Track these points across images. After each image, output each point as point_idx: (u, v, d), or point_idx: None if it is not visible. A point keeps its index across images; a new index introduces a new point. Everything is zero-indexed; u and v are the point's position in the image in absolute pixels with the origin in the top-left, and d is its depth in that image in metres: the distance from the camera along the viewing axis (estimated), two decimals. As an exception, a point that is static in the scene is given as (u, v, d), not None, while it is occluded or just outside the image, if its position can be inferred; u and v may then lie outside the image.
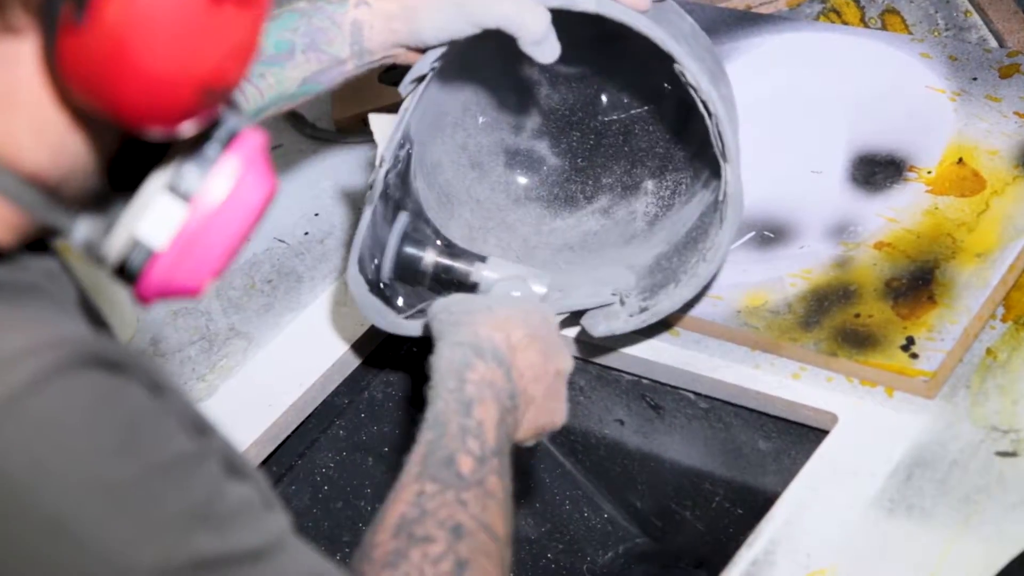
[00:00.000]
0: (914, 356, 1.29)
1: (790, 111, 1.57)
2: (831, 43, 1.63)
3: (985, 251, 1.36)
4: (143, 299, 0.81)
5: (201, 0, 0.71)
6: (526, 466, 1.61)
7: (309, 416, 1.48)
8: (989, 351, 1.31)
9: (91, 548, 0.73)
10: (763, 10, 1.80)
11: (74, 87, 0.73)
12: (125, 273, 0.80)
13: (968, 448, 1.23)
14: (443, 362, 1.06)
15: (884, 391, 1.30)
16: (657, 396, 1.46)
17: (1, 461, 0.71)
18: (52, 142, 0.76)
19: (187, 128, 0.76)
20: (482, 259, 1.34)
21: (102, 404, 0.73)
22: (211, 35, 0.72)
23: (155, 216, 0.78)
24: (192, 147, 0.79)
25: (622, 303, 1.34)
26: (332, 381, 1.49)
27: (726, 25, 1.70)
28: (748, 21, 1.71)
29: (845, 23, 1.72)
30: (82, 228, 0.81)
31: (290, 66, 1.25)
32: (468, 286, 1.32)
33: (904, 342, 1.31)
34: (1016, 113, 1.49)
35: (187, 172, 0.78)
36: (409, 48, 1.28)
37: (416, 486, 0.97)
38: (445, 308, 1.13)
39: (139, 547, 0.73)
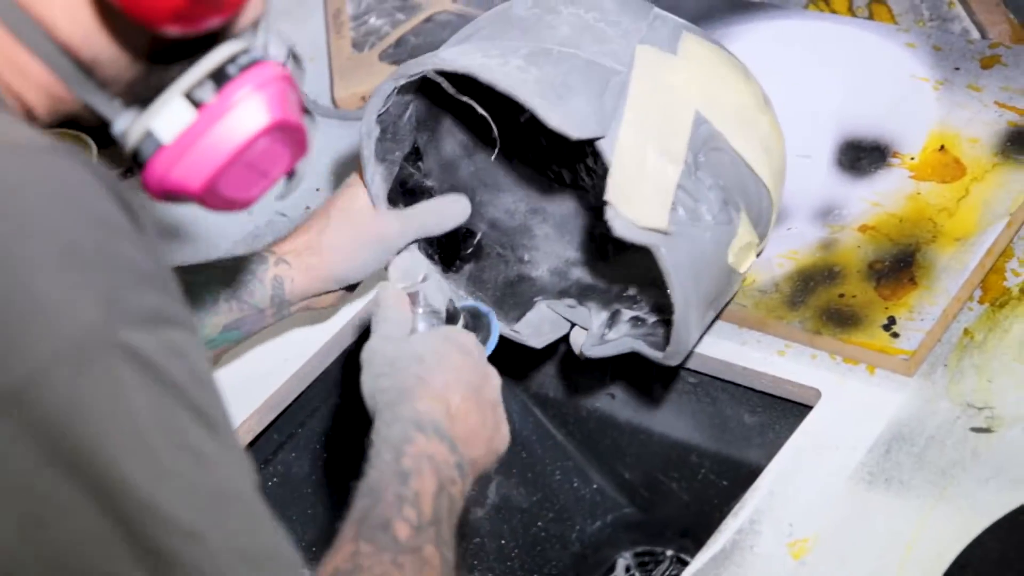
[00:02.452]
0: (895, 335, 1.35)
1: (779, 97, 1.61)
2: (820, 31, 1.68)
3: (964, 235, 1.42)
4: (147, 188, 0.91)
5: None
6: (519, 437, 1.66)
7: (310, 385, 1.53)
8: (966, 331, 1.36)
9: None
10: (754, -3, 1.84)
11: None
12: (137, 161, 0.90)
13: (945, 424, 1.28)
14: (379, 437, 1.05)
15: (866, 368, 1.35)
16: (647, 371, 1.51)
17: None
18: (82, 21, 0.84)
19: (174, 29, 0.84)
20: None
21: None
22: None
23: (168, 115, 0.88)
24: (217, 65, 0.88)
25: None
26: (332, 352, 1.54)
27: (718, 11, 1.75)
28: (740, 8, 1.76)
29: (833, 11, 1.77)
30: (122, 120, 0.90)
31: (212, 312, 1.30)
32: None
33: (886, 322, 1.36)
34: (996, 103, 1.54)
35: (204, 83, 0.88)
36: (330, 291, 1.34)
37: (351, 546, 0.94)
38: (378, 388, 1.11)
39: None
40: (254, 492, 0.79)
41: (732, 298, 1.35)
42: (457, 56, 1.25)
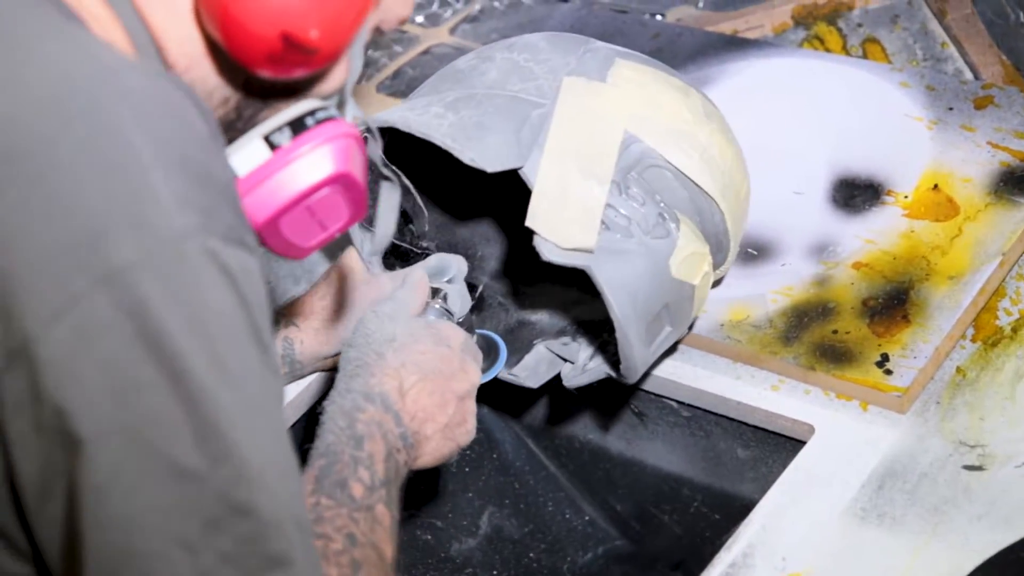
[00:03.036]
0: (888, 372, 1.36)
1: (774, 134, 1.63)
2: (815, 69, 1.70)
3: (957, 274, 1.43)
4: None
5: None
6: (511, 468, 1.67)
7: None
8: (959, 370, 1.37)
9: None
10: (749, 35, 1.87)
11: (202, 11, 0.90)
12: None
13: (937, 461, 1.29)
14: (333, 406, 1.12)
15: (859, 405, 1.36)
16: (641, 404, 1.52)
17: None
18: (190, 49, 0.92)
19: (269, 71, 0.91)
20: (426, 255, 1.40)
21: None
22: None
23: (247, 152, 0.95)
24: (297, 117, 0.96)
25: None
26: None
27: (714, 48, 1.77)
28: (735, 45, 1.78)
29: (828, 50, 1.79)
30: None
31: None
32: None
33: (879, 358, 1.37)
34: (989, 143, 1.56)
35: (283, 130, 0.96)
36: (337, 355, 1.36)
37: (312, 499, 1.01)
38: (344, 359, 1.18)
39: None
40: (280, 414, 0.86)
41: (695, 313, 1.36)
42: (384, 112, 1.33)
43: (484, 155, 1.27)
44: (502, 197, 1.44)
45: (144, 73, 0.86)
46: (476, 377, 1.21)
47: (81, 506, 0.79)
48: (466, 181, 1.40)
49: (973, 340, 1.40)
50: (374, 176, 1.12)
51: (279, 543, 0.82)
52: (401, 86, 1.87)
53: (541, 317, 1.51)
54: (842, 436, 1.34)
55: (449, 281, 1.31)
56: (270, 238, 0.96)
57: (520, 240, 1.52)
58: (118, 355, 0.79)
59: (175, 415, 0.80)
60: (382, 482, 1.06)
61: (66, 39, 0.85)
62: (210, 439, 0.80)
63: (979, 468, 1.28)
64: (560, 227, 1.26)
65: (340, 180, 0.96)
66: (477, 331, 1.36)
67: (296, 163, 0.95)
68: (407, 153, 1.34)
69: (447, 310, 1.29)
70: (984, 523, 1.23)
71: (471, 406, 1.21)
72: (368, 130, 1.04)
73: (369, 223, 1.39)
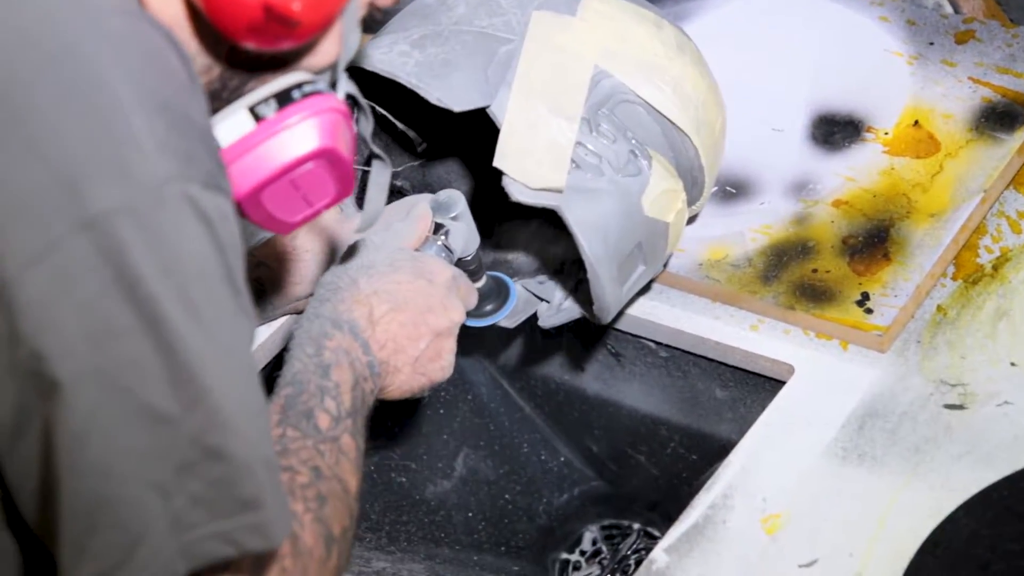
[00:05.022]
0: (868, 311, 1.34)
1: (752, 69, 1.61)
2: (794, 4, 1.67)
3: (938, 211, 1.41)
4: None
5: None
6: (486, 409, 1.65)
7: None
8: (940, 308, 1.36)
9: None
10: (726, -32, 1.83)
11: None
12: None
13: (918, 400, 1.28)
14: (302, 331, 1.12)
15: (839, 344, 1.35)
16: (618, 344, 1.50)
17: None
18: (171, 12, 0.89)
19: (251, 42, 0.89)
20: (401, 194, 1.37)
21: None
22: None
23: (231, 122, 0.94)
24: (284, 90, 0.95)
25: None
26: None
27: (691, -17, 1.74)
28: (712, -21, 1.74)
29: (806, -16, 1.76)
30: None
31: None
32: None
33: (859, 297, 1.36)
34: (971, 78, 1.53)
35: (269, 102, 0.94)
36: (307, 297, 1.34)
37: (278, 430, 1.01)
38: (320, 283, 1.17)
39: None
40: (251, 357, 0.86)
41: (669, 251, 1.34)
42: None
43: (451, 94, 1.25)
44: (473, 133, 1.41)
45: (125, 14, 0.84)
46: (458, 315, 1.19)
47: (57, 450, 0.79)
48: (436, 119, 1.37)
49: (954, 278, 1.38)
50: (363, 154, 1.09)
51: (250, 486, 0.82)
52: (371, 23, 1.83)
53: (517, 256, 1.49)
54: (822, 376, 1.33)
55: (454, 218, 1.28)
56: (252, 210, 0.95)
57: (492, 178, 1.50)
58: (96, 299, 0.78)
59: (150, 360, 0.80)
60: (348, 412, 1.06)
61: None
62: (184, 384, 0.80)
63: (960, 407, 1.27)
64: (529, 167, 1.24)
65: (325, 155, 0.95)
66: (489, 273, 1.33)
67: (280, 135, 0.94)
68: (375, 91, 1.31)
69: (447, 247, 1.26)
70: (965, 462, 1.22)
71: (449, 344, 1.19)
72: (358, 106, 1.01)
73: (358, 201, 1.36)
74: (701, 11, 1.67)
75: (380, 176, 1.05)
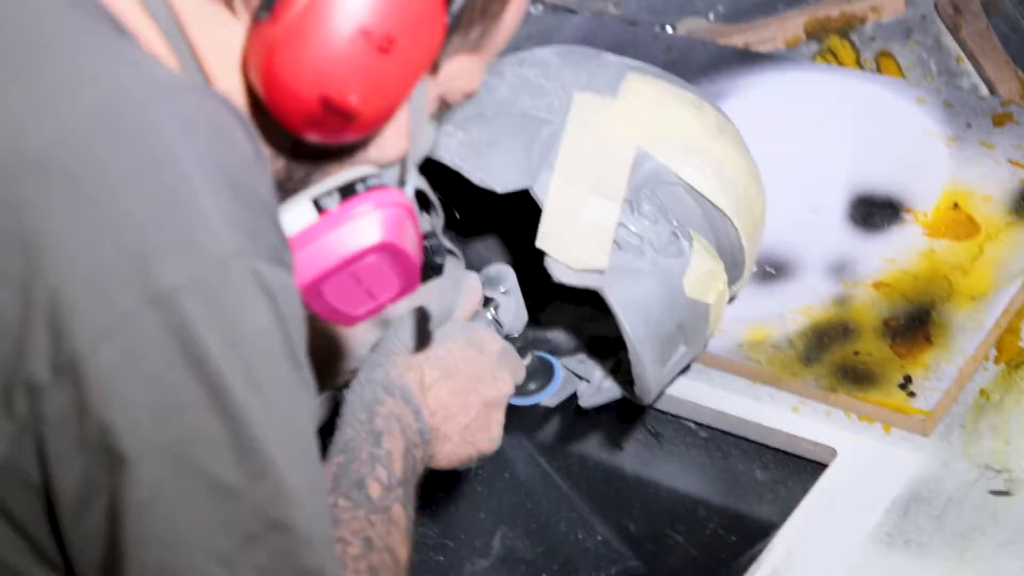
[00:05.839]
0: (911, 394, 1.34)
1: (790, 149, 1.61)
2: (831, 84, 1.68)
3: (979, 294, 1.41)
4: None
5: (354, 36, 0.86)
6: (524, 487, 1.65)
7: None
8: (983, 392, 1.36)
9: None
10: (761, 48, 1.85)
11: (248, 66, 0.90)
12: None
13: (963, 486, 1.28)
14: (354, 396, 1.12)
15: (882, 427, 1.34)
16: (658, 424, 1.50)
17: None
18: (236, 104, 0.90)
19: (311, 134, 0.91)
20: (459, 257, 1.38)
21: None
22: (347, 63, 0.87)
23: (294, 213, 0.96)
24: (348, 183, 0.97)
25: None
26: None
27: (727, 62, 1.75)
28: (748, 59, 1.76)
29: (841, 64, 1.77)
30: None
31: None
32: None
33: (902, 380, 1.36)
34: (1010, 161, 1.54)
35: (332, 194, 0.96)
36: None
37: (330, 499, 1.02)
38: (373, 346, 1.18)
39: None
40: (311, 431, 0.86)
41: (710, 332, 1.34)
42: None
43: (493, 175, 1.26)
44: (513, 214, 1.42)
45: (194, 91, 0.85)
46: (508, 388, 1.19)
47: (123, 523, 0.80)
48: (475, 197, 1.38)
49: (996, 362, 1.38)
50: (433, 250, 1.10)
51: (314, 558, 0.84)
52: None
53: (556, 335, 1.49)
54: (865, 459, 1.32)
55: (504, 293, 1.28)
56: (313, 301, 0.96)
57: (532, 257, 1.50)
58: (163, 374, 0.79)
59: (216, 433, 0.81)
60: (399, 481, 1.06)
61: (119, 56, 0.85)
62: (249, 456, 0.81)
63: (1006, 493, 1.26)
64: (571, 247, 1.25)
65: (386, 249, 0.96)
66: (535, 352, 1.34)
67: (341, 228, 0.95)
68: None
69: (496, 320, 1.26)
70: (1012, 550, 1.21)
71: (498, 416, 1.19)
72: (426, 202, 1.02)
73: None
74: (737, 90, 1.69)
75: (454, 271, 1.06)
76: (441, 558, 1.61)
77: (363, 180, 0.96)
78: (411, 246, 0.98)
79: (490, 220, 1.52)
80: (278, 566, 0.82)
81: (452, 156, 1.27)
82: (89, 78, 0.83)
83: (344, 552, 0.97)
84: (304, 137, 0.91)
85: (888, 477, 1.30)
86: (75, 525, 0.82)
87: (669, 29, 1.91)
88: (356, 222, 0.95)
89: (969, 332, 1.38)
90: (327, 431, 1.19)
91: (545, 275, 1.28)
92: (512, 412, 1.35)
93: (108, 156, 0.80)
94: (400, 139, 0.97)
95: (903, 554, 1.23)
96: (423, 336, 1.17)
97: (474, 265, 1.50)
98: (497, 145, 1.28)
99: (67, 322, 0.78)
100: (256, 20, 0.88)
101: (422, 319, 1.19)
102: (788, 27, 1.86)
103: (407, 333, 1.16)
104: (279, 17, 0.86)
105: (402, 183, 1.00)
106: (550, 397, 1.39)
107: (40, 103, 0.82)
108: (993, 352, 1.39)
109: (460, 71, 0.97)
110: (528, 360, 1.32)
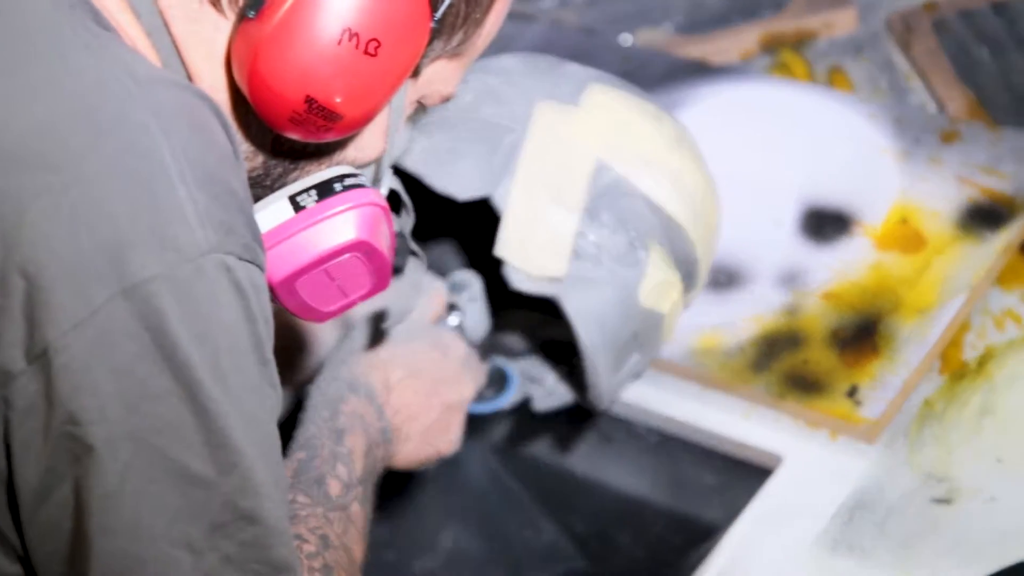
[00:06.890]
0: (858, 403, 1.37)
1: (744, 160, 1.64)
2: (784, 96, 1.72)
3: (925, 307, 1.45)
4: None
5: (341, 38, 0.87)
6: (474, 486, 1.66)
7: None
8: (927, 402, 1.39)
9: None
10: (716, 60, 1.87)
11: (233, 64, 0.90)
12: None
13: (906, 494, 1.31)
14: (318, 393, 1.14)
15: (828, 434, 1.38)
16: (609, 428, 1.52)
17: None
18: (218, 100, 0.91)
19: (292, 132, 0.91)
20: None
21: None
22: (333, 65, 0.88)
23: (272, 210, 0.97)
24: (326, 181, 0.98)
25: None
26: None
27: (682, 73, 1.78)
28: (702, 71, 1.79)
29: (794, 77, 1.81)
30: None
31: None
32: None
33: (849, 389, 1.39)
34: (957, 177, 1.58)
35: (310, 192, 0.97)
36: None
37: (289, 495, 1.03)
38: (337, 347, 1.20)
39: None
40: (274, 427, 0.87)
41: (661, 339, 1.37)
42: None
43: (454, 182, 1.28)
44: (471, 219, 1.44)
45: (173, 86, 0.86)
46: (469, 392, 1.21)
47: (88, 513, 0.81)
48: (435, 202, 1.40)
49: (940, 373, 1.41)
50: (401, 250, 1.12)
51: (281, 549, 0.85)
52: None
53: (510, 337, 1.51)
54: (812, 465, 1.35)
55: (470, 299, 1.30)
56: (286, 297, 0.97)
57: (489, 263, 1.52)
58: (133, 365, 0.80)
59: (186, 424, 0.81)
60: (359, 480, 1.08)
61: (100, 49, 0.85)
62: (219, 447, 0.82)
63: (947, 501, 1.29)
64: (530, 255, 1.27)
65: (361, 247, 0.97)
66: (494, 360, 1.36)
67: (318, 226, 0.96)
68: None
69: (461, 326, 1.28)
70: (953, 557, 1.24)
71: (458, 418, 1.22)
72: (400, 202, 1.04)
73: None
74: (692, 101, 1.71)
75: (413, 273, 1.07)
76: (391, 556, 1.63)
77: (341, 179, 0.97)
78: (385, 246, 0.99)
79: (448, 224, 1.53)
80: (246, 555, 0.83)
81: (415, 163, 1.29)
82: (69, 70, 0.83)
83: (299, 549, 0.98)
84: (286, 135, 0.93)
85: (834, 483, 1.33)
86: (33, 515, 0.82)
87: (629, 38, 1.93)
88: (333, 220, 0.96)
89: (914, 344, 1.41)
90: (288, 427, 1.20)
91: (501, 280, 1.30)
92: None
93: (85, 148, 0.81)
94: (378, 140, 0.98)
95: (847, 560, 1.26)
96: (376, 334, 1.19)
97: (433, 270, 1.51)
98: (459, 152, 1.30)
99: (42, 311, 0.79)
100: (243, 18, 0.89)
101: (377, 318, 1.21)
102: (742, 40, 1.89)
103: (368, 332, 1.18)
104: (267, 16, 0.87)
105: (376, 183, 1.01)
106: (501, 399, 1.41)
107: (20, 95, 0.82)
108: (937, 364, 1.42)
109: (440, 75, 0.98)
110: (487, 366, 1.34)
